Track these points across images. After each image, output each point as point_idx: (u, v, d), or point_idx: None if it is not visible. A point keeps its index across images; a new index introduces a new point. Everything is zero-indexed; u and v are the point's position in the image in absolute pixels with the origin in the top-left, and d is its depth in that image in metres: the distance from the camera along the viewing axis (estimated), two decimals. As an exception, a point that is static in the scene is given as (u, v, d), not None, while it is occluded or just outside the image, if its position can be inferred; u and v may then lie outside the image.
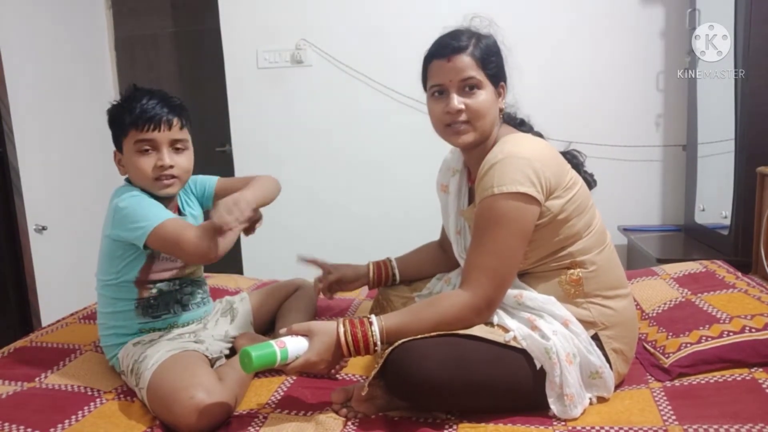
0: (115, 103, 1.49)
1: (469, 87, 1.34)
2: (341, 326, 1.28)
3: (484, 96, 1.34)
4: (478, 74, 1.33)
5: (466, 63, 1.33)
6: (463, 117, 1.34)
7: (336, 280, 1.69)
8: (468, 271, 1.31)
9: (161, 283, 1.52)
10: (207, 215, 1.64)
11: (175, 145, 1.47)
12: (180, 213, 1.58)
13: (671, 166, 2.82)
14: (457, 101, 1.33)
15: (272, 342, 1.25)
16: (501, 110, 1.40)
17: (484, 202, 1.28)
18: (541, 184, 1.26)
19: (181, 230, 1.37)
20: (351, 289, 1.73)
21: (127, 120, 1.43)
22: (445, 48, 1.35)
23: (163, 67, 3.41)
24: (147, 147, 1.44)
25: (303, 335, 1.29)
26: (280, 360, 1.24)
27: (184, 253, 1.39)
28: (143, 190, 1.48)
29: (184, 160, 1.49)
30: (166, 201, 1.52)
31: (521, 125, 1.46)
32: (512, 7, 2.76)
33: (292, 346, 1.26)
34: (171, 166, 1.45)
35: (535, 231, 1.29)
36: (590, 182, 1.44)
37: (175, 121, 1.45)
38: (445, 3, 2.73)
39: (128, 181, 1.53)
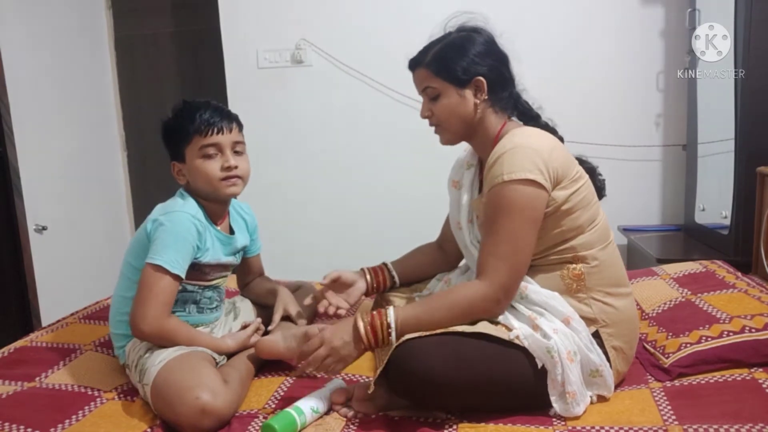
0: (167, 119, 1.55)
1: (432, 96, 1.42)
2: (359, 319, 1.32)
3: (446, 101, 1.40)
4: (434, 83, 1.40)
5: (423, 75, 1.42)
6: (433, 121, 1.44)
7: (335, 278, 1.61)
8: (482, 260, 1.32)
9: (187, 284, 1.53)
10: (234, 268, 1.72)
11: (235, 148, 1.53)
12: (231, 231, 1.63)
13: (671, 166, 2.81)
14: (423, 109, 1.45)
15: (287, 409, 1.28)
16: (476, 104, 1.39)
17: (493, 190, 1.30)
18: (548, 172, 1.28)
19: (159, 291, 1.41)
20: (352, 300, 1.63)
21: (190, 128, 1.49)
22: (409, 62, 1.45)
23: (163, 67, 3.41)
24: (212, 151, 1.49)
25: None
26: (299, 420, 1.26)
27: (136, 306, 1.43)
28: (199, 200, 1.53)
29: (245, 162, 1.55)
30: (220, 209, 1.58)
31: (536, 119, 1.47)
32: (512, 7, 2.76)
33: (306, 399, 1.32)
34: (236, 167, 1.51)
35: None
36: (601, 189, 1.46)
37: (234, 124, 1.54)
38: (444, 3, 2.73)
39: (184, 190, 1.55)
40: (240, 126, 1.56)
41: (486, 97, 1.40)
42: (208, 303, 1.60)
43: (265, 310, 1.75)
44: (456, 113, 1.40)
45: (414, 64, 1.44)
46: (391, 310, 1.32)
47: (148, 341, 1.45)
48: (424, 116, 1.46)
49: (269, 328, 1.60)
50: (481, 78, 1.38)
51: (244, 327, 1.61)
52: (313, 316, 1.78)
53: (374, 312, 1.33)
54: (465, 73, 1.38)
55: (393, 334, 1.30)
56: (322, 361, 1.33)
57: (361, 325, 1.31)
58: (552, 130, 1.45)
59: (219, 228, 1.58)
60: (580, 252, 1.34)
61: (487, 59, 1.39)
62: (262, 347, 1.51)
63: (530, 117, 1.47)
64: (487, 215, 1.33)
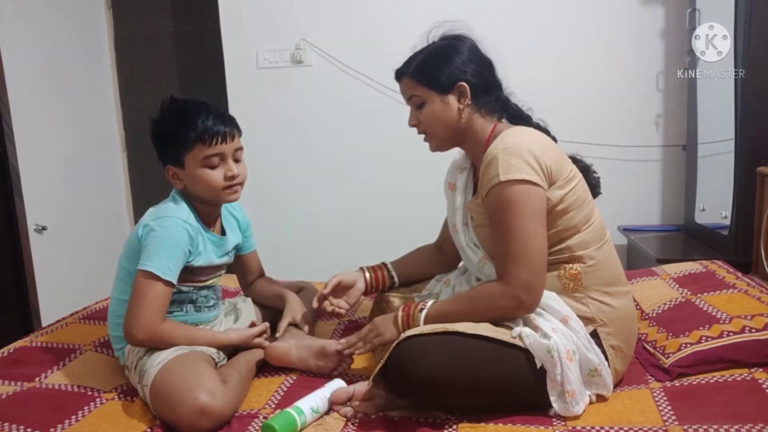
0: (159, 119, 1.50)
1: (417, 104, 1.44)
2: (400, 309, 1.42)
3: (430, 108, 1.43)
4: (418, 91, 1.43)
5: (407, 85, 1.46)
6: (421, 129, 1.47)
7: (336, 284, 1.62)
8: (497, 264, 1.34)
9: (181, 286, 1.53)
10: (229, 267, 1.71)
11: (235, 155, 1.51)
12: (223, 232, 1.62)
13: (671, 166, 2.81)
14: (411, 117, 1.47)
15: (287, 409, 1.28)
16: (460, 109, 1.41)
17: (491, 193, 1.30)
18: (542, 171, 1.29)
19: (152, 298, 1.40)
20: (352, 301, 1.65)
21: (191, 135, 1.45)
22: (395, 73, 1.49)
23: (163, 67, 3.41)
24: (216, 161, 1.48)
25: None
26: (299, 419, 1.27)
27: (129, 314, 1.42)
28: (193, 204, 1.52)
29: (244, 168, 1.55)
30: (213, 212, 1.57)
31: (527, 120, 1.48)
32: (512, 8, 2.76)
33: (306, 399, 1.32)
34: (238, 174, 1.50)
35: None
36: (596, 187, 1.46)
37: (235, 131, 1.51)
38: (444, 3, 2.73)
39: (178, 193, 1.53)
40: (240, 132, 1.54)
41: (470, 102, 1.41)
42: (204, 302, 1.59)
43: (268, 310, 1.75)
44: (441, 119, 1.42)
45: (399, 75, 1.47)
46: (429, 301, 1.40)
47: (144, 347, 1.44)
48: (411, 125, 1.48)
49: (277, 335, 1.58)
50: (463, 83, 1.40)
51: (252, 326, 1.60)
52: (315, 318, 1.79)
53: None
54: (447, 80, 1.40)
55: (424, 312, 1.37)
56: (366, 335, 1.44)
57: (400, 311, 1.41)
58: (544, 131, 1.46)
59: (211, 230, 1.57)
60: (576, 252, 1.35)
61: (469, 65, 1.41)
62: (272, 354, 1.51)
63: (521, 119, 1.47)
64: (491, 219, 1.33)
